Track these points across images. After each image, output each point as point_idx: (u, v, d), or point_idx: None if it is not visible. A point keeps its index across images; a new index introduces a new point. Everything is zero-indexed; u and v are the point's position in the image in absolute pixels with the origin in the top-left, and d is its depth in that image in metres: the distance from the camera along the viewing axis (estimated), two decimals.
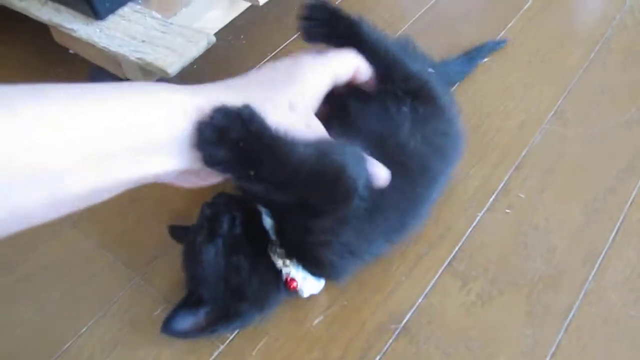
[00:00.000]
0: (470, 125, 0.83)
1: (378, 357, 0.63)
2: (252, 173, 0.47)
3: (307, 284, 0.63)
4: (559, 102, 0.86)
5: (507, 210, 0.74)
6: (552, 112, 0.85)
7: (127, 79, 0.80)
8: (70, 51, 0.94)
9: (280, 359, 0.63)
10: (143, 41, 0.75)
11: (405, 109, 0.62)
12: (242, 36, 1.00)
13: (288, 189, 0.50)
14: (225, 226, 0.60)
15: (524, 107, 0.86)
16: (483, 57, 0.92)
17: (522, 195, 0.76)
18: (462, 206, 0.75)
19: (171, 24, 0.77)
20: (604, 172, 0.78)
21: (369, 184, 0.54)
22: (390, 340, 0.64)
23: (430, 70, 0.68)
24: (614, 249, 0.71)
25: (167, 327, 0.61)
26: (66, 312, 0.68)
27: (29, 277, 0.72)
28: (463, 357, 0.63)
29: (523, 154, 0.80)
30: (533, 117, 0.84)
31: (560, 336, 0.64)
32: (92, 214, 0.68)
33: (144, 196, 0.74)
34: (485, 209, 0.75)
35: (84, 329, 0.67)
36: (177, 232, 0.71)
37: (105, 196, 0.42)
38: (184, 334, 0.62)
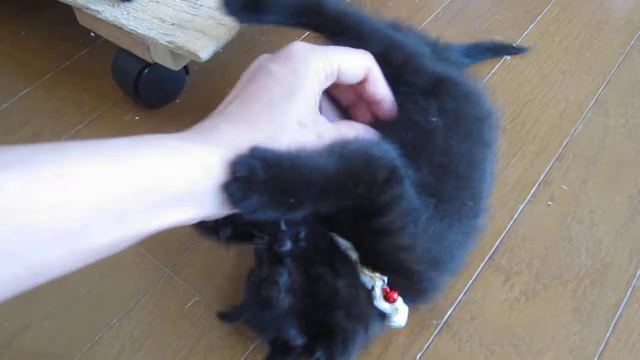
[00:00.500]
0: (508, 114, 0.80)
1: (419, 355, 0.61)
2: (291, 200, 0.45)
3: (401, 308, 0.57)
4: (600, 90, 0.83)
5: (549, 203, 0.72)
6: (593, 101, 0.82)
7: (155, 63, 0.78)
8: (92, 34, 0.92)
9: None
10: (173, 24, 0.72)
11: (434, 119, 0.57)
12: None
13: (332, 199, 0.47)
14: (288, 243, 0.54)
15: (563, 95, 0.83)
16: (489, 56, 0.88)
17: (565, 187, 0.73)
18: (502, 199, 0.72)
19: (201, 6, 0.74)
20: None
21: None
22: (432, 337, 0.62)
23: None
24: None
25: None
26: (95, 306, 0.66)
27: None
28: (508, 355, 0.61)
29: (564, 144, 0.77)
30: (573, 105, 0.82)
31: (608, 334, 0.62)
32: None
33: None
34: (526, 201, 0.72)
35: (115, 321, 0.65)
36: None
37: (124, 246, 0.41)
38: None
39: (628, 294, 0.65)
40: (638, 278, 0.66)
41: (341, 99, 0.59)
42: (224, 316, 0.64)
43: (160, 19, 0.72)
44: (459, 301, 0.64)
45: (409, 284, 0.56)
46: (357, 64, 0.53)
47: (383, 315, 0.56)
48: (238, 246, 0.61)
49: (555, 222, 0.70)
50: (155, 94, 0.84)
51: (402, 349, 0.61)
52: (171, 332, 0.64)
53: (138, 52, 0.76)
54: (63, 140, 0.81)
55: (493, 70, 0.86)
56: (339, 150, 0.48)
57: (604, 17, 0.94)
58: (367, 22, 0.60)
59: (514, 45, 0.89)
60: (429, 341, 0.62)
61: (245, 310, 0.61)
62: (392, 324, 0.57)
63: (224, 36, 0.71)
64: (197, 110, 0.85)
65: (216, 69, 0.89)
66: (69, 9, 0.80)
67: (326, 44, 0.59)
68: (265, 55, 0.53)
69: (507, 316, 0.63)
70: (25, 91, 0.89)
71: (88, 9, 0.75)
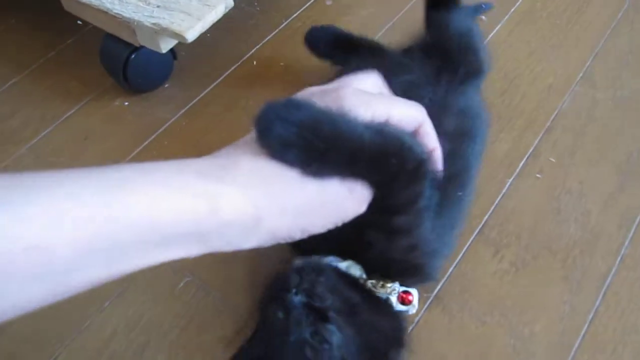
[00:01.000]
0: (496, 90, 0.80)
1: (411, 328, 0.61)
2: (322, 145, 0.43)
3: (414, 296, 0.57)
4: (587, 63, 0.83)
5: (538, 175, 0.72)
6: (581, 74, 0.82)
7: (142, 48, 0.78)
8: (79, 22, 0.91)
9: None
10: (158, 6, 0.72)
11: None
12: (255, 3, 0.96)
13: (360, 169, 0.46)
14: (328, 295, 0.51)
15: (551, 69, 0.83)
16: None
17: (553, 159, 0.73)
18: (491, 173, 0.72)
19: None
20: (636, 132, 0.76)
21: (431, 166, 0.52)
22: (423, 311, 0.62)
23: None
24: None
25: None
26: (86, 291, 0.66)
27: None
28: (499, 326, 0.61)
29: (552, 117, 0.78)
30: (561, 79, 0.82)
31: (598, 302, 0.62)
32: None
33: None
34: (515, 174, 0.72)
35: (107, 304, 0.65)
36: None
37: (115, 278, 0.39)
38: None
39: (617, 262, 0.65)
40: (627, 246, 0.66)
41: None
42: None
43: (145, 1, 0.72)
44: (450, 275, 0.65)
45: (413, 276, 0.57)
46: (407, 117, 0.50)
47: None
48: None
49: (544, 194, 0.70)
50: (144, 78, 0.83)
51: None
52: (164, 312, 0.64)
53: (124, 36, 0.76)
54: (52, 127, 0.82)
55: None
56: (377, 127, 0.47)
57: None
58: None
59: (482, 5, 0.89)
60: (420, 315, 0.62)
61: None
62: (409, 313, 0.57)
63: (210, 17, 0.71)
64: (186, 95, 0.85)
65: (204, 53, 0.89)
66: None
67: None
68: (313, 90, 0.50)
69: (497, 288, 0.64)
70: (13, 81, 0.88)
71: None
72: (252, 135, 0.45)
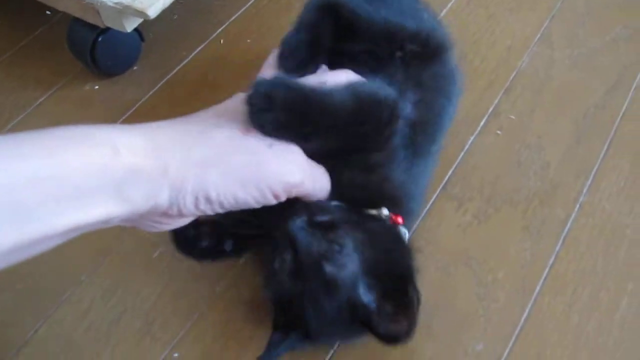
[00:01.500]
0: (457, 53, 0.82)
1: None
2: (306, 128, 0.48)
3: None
4: (545, 25, 0.86)
5: (498, 132, 0.74)
6: (538, 36, 0.84)
7: (108, 31, 0.79)
8: (48, 12, 0.93)
9: None
10: None
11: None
12: None
13: (341, 133, 0.51)
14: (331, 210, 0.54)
15: (509, 32, 0.85)
16: None
17: (513, 117, 0.76)
18: (453, 132, 0.73)
19: None
20: (593, 89, 0.78)
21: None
22: None
23: None
24: (606, 162, 0.71)
25: None
26: (63, 266, 0.68)
27: None
28: (463, 275, 0.63)
29: (511, 77, 0.80)
30: (519, 41, 0.84)
31: (558, 248, 0.65)
32: None
33: None
34: (476, 132, 0.74)
35: (84, 278, 0.66)
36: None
37: (46, 247, 0.39)
38: None
39: (576, 209, 0.67)
40: (585, 194, 0.68)
41: None
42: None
43: None
44: (414, 229, 0.67)
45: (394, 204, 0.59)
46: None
47: None
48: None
49: (505, 150, 0.72)
50: (112, 61, 0.85)
51: None
52: (140, 281, 0.66)
53: (89, 18, 0.77)
54: (24, 115, 0.83)
55: (442, 14, 0.88)
56: (353, 91, 0.51)
57: None
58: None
59: None
60: None
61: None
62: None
63: None
64: (155, 76, 0.86)
65: (171, 34, 0.90)
66: None
67: None
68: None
69: (460, 240, 0.66)
70: None
71: None
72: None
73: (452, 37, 0.66)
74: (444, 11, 0.89)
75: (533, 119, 0.75)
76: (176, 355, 0.60)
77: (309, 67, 0.57)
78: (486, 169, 0.71)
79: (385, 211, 0.57)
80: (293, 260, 0.52)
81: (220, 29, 0.91)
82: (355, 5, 0.60)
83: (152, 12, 0.71)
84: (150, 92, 0.84)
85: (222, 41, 0.90)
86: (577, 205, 0.68)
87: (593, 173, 0.70)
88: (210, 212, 0.46)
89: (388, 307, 0.52)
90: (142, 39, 0.86)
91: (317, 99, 0.49)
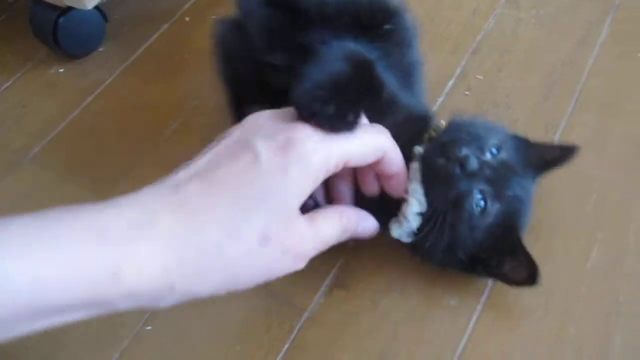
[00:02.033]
0: (422, 18, 0.81)
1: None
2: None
3: None
4: None
5: (466, 92, 0.74)
6: None
7: (70, 11, 0.78)
8: (9, 0, 0.92)
9: None
10: None
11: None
12: None
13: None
14: None
15: None
16: None
17: (480, 77, 0.76)
18: None
19: None
20: (560, 46, 0.78)
21: None
22: None
23: None
24: (574, 116, 0.71)
25: None
26: None
27: None
28: None
29: (478, 38, 0.80)
30: (485, 3, 0.84)
31: None
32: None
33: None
34: (444, 93, 0.74)
35: None
36: None
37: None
38: None
39: None
40: None
41: None
42: None
43: None
44: None
45: None
46: (370, 150, 0.45)
47: None
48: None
49: (473, 109, 0.72)
50: (76, 42, 0.84)
51: None
52: None
53: None
54: None
55: None
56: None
57: None
58: None
59: None
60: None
61: None
62: None
63: None
64: (121, 57, 0.85)
65: (137, 13, 0.90)
66: None
67: None
68: (263, 120, 0.44)
69: None
70: None
71: None
72: (185, 171, 0.41)
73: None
74: None
75: (501, 78, 0.75)
76: (149, 328, 0.59)
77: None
78: None
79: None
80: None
81: (186, 6, 0.91)
82: None
83: (90, 2, 0.70)
84: (116, 73, 0.83)
85: (187, 19, 0.89)
86: None
87: (561, 128, 0.70)
88: None
89: (504, 261, 0.55)
90: (105, 19, 0.85)
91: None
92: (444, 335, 0.57)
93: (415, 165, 0.52)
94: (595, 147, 0.68)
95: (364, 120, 0.46)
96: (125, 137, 0.76)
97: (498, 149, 0.54)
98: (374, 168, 0.48)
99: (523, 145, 0.58)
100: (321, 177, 0.42)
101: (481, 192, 0.52)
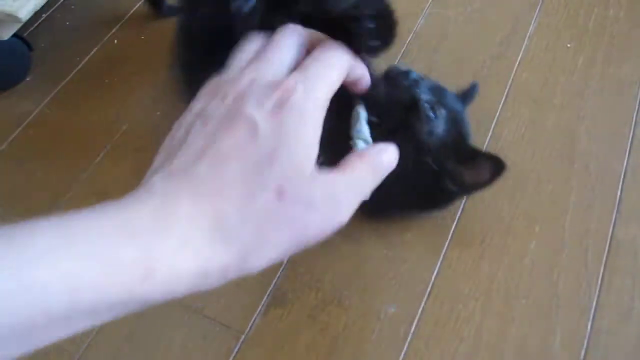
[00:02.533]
0: None
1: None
2: None
3: None
4: None
5: None
6: None
7: None
8: None
9: None
10: None
11: None
12: None
13: None
14: None
15: None
16: None
17: None
18: None
19: None
20: (488, 41, 0.78)
21: None
22: None
23: None
24: (506, 110, 0.71)
25: None
26: None
27: None
28: (371, 240, 0.62)
29: (407, 41, 0.79)
30: (413, 4, 0.83)
31: (464, 200, 0.64)
32: None
33: None
34: None
35: None
36: None
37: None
38: None
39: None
40: (487, 144, 0.68)
41: None
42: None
43: None
44: None
45: None
46: (345, 70, 0.45)
47: None
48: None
49: None
50: (0, 75, 0.81)
51: None
52: None
53: None
54: None
55: None
56: None
57: None
58: None
59: None
60: None
61: None
62: None
63: None
64: (49, 85, 0.83)
65: (64, 40, 0.87)
66: None
67: None
68: (252, 87, 0.43)
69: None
70: None
71: None
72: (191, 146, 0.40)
73: None
74: None
75: (432, 77, 0.74)
76: None
77: None
78: None
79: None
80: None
81: (113, 30, 0.88)
82: None
83: (24, 14, 0.68)
84: (45, 102, 0.81)
85: (115, 41, 0.87)
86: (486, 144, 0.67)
87: (494, 123, 0.70)
88: None
89: (465, 169, 0.58)
90: (30, 49, 0.83)
91: None
92: (384, 345, 0.56)
93: (358, 109, 0.52)
94: (527, 140, 0.68)
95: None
96: (55, 166, 0.73)
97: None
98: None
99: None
100: (320, 119, 0.42)
101: (427, 101, 0.58)
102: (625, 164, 0.66)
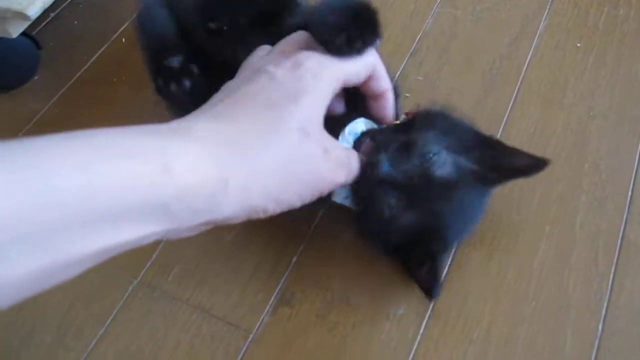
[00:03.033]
0: None
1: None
2: None
3: None
4: None
5: (407, 95, 0.73)
6: None
7: None
8: None
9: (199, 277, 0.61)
10: None
11: None
12: None
13: None
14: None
15: None
16: None
17: (420, 78, 0.75)
18: None
19: None
20: (497, 41, 0.78)
21: None
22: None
23: None
24: (515, 110, 0.70)
25: None
26: None
27: None
28: None
29: (417, 39, 0.79)
30: (422, 4, 0.83)
31: None
32: None
33: None
34: None
35: None
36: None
37: (68, 274, 0.34)
38: None
39: None
40: None
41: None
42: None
43: None
44: None
45: None
46: (364, 67, 0.47)
47: None
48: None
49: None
50: (8, 73, 0.81)
51: None
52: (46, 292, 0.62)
53: None
54: None
55: None
56: None
57: None
58: None
59: None
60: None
61: None
62: None
63: None
64: (57, 84, 0.83)
65: (72, 38, 0.87)
66: None
67: None
68: (262, 53, 0.47)
69: None
70: None
71: None
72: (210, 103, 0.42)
73: None
74: None
75: (440, 77, 0.74)
76: None
77: None
78: None
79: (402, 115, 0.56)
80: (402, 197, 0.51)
81: (121, 28, 0.89)
82: None
83: (32, 12, 0.68)
84: (52, 101, 0.81)
85: (123, 40, 0.87)
86: None
87: (504, 122, 0.69)
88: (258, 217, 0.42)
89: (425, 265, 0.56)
90: (38, 47, 0.83)
91: None
92: (393, 346, 0.55)
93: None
94: (537, 140, 0.68)
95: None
96: None
97: (435, 156, 0.51)
98: (363, 88, 0.50)
99: (489, 148, 0.56)
100: (330, 95, 0.44)
101: (391, 201, 0.51)
102: (636, 163, 0.65)
